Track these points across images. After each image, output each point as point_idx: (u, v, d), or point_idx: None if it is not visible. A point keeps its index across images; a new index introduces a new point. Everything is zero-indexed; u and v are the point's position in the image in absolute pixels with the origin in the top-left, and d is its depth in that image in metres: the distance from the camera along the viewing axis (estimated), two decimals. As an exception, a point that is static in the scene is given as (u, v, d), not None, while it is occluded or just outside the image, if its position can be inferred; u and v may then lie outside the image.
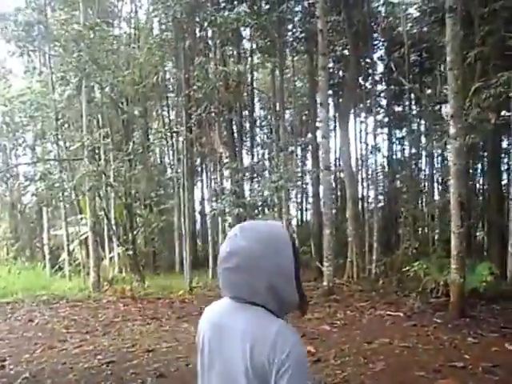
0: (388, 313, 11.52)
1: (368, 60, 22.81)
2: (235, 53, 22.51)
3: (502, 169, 19.47)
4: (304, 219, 32.60)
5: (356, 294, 14.46)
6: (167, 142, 26.79)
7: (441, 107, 21.33)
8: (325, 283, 14.28)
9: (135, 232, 20.06)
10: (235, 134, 23.31)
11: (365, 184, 23.84)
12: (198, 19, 18.19)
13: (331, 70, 23.13)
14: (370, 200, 22.48)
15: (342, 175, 25.97)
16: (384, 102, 26.30)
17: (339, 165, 27.06)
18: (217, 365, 1.78)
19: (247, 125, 27.96)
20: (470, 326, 9.77)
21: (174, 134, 21.13)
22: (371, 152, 22.57)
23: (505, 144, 19.84)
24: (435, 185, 24.78)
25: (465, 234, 11.18)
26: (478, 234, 23.18)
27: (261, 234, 1.76)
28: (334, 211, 21.51)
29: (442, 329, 9.81)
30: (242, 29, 19.92)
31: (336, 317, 11.40)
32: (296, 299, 1.80)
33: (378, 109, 25.15)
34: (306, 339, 8.94)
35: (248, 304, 1.75)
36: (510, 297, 12.48)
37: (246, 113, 26.81)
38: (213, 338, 1.83)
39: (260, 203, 19.47)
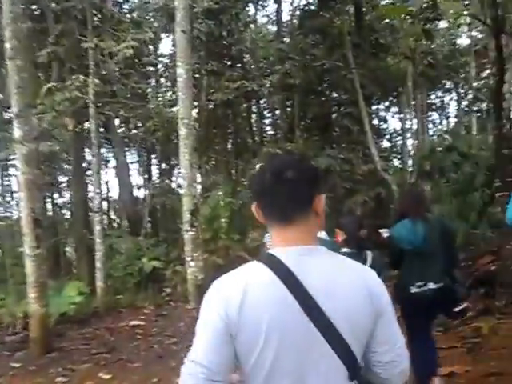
0: None
1: None
2: None
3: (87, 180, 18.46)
4: None
5: None
6: None
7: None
8: None
9: None
10: None
11: None
12: None
13: None
14: None
15: None
16: None
17: None
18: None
19: None
20: (59, 362, 8.00)
21: None
22: None
23: (88, 155, 18.78)
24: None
25: (54, 253, 9.43)
26: (67, 249, 21.83)
27: None
28: None
29: (21, 375, 7.58)
30: None
31: None
32: None
33: None
34: None
35: None
36: (101, 315, 11.47)
37: None
38: None
39: None
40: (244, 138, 21.49)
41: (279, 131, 20.74)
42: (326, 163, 15.10)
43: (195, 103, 16.63)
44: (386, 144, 26.96)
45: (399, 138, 27.80)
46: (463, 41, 23.16)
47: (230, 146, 23.43)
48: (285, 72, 16.08)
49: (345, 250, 4.04)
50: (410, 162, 21.02)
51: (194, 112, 19.72)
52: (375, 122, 22.99)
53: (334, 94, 19.69)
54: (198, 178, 20.49)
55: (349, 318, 1.52)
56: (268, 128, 24.87)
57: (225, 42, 18.44)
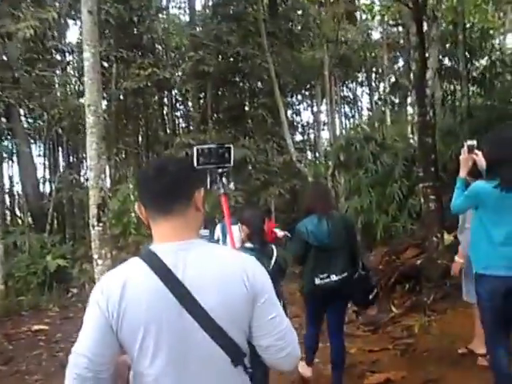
0: None
1: None
2: None
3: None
4: None
5: None
6: None
7: None
8: None
9: None
10: None
11: None
12: None
13: None
14: None
15: None
16: None
17: None
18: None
19: None
20: None
21: None
22: None
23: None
24: None
25: None
26: None
27: None
28: None
29: None
30: None
31: None
32: None
33: None
34: None
35: None
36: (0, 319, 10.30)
37: None
38: None
39: None
40: (155, 130, 20.31)
41: (192, 122, 19.79)
42: (240, 154, 14.45)
43: (105, 94, 15.54)
44: (298, 137, 26.79)
45: (312, 130, 27.77)
46: (375, 35, 23.38)
47: (141, 137, 22.19)
48: (198, 59, 15.16)
49: (248, 245, 3.94)
50: (324, 155, 20.91)
51: (104, 103, 18.44)
52: (288, 113, 22.56)
53: (248, 84, 18.97)
54: (107, 171, 19.31)
55: (226, 307, 1.60)
56: (181, 119, 23.79)
57: (135, 31, 17.28)
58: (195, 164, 3.01)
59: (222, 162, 3.12)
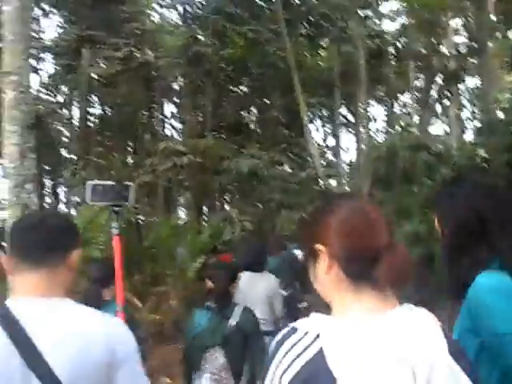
0: None
1: None
2: None
3: None
4: None
5: None
6: None
7: None
8: None
9: None
10: None
11: None
12: None
13: None
14: None
15: None
16: None
17: None
18: None
19: None
20: None
21: None
22: None
23: None
24: None
25: None
26: None
27: None
28: None
29: None
30: None
31: None
32: None
33: None
34: None
35: None
36: None
37: None
38: None
39: None
40: (141, 134, 16.55)
41: (184, 125, 16.16)
42: (248, 165, 11.07)
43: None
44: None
45: (328, 153, 25.25)
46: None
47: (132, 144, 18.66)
48: (191, 37, 11.75)
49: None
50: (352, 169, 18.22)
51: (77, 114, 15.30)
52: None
53: (259, 77, 15.32)
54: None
55: (82, 375, 1.45)
56: (172, 120, 20.08)
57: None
58: (87, 200, 3.03)
59: (117, 199, 3.04)
